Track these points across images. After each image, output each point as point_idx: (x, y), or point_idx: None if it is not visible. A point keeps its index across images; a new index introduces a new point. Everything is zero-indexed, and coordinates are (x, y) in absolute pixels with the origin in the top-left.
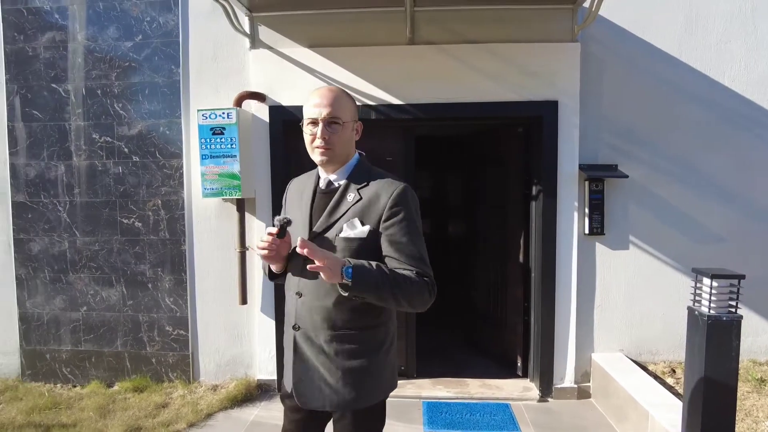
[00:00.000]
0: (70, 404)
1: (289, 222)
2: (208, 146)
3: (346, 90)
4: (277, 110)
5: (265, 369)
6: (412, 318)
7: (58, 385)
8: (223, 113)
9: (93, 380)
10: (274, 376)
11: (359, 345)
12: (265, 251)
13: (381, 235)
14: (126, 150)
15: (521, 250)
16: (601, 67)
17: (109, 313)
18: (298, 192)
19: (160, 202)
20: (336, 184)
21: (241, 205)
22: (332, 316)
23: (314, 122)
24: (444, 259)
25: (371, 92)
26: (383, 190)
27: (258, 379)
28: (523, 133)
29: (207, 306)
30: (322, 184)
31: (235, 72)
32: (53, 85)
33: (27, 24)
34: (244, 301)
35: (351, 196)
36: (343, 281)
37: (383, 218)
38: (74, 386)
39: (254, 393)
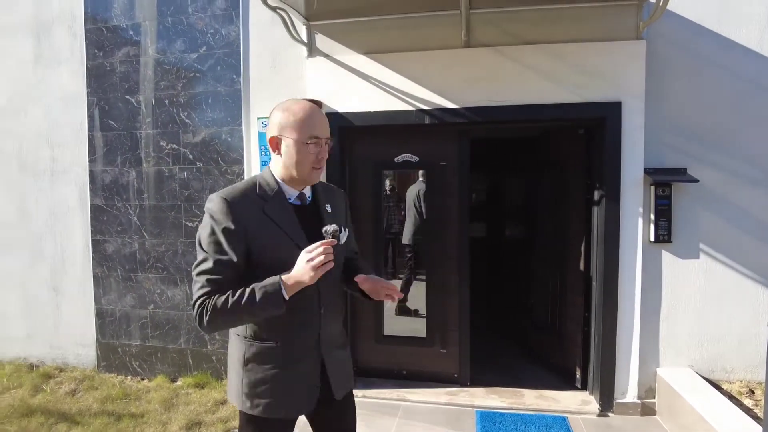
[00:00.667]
0: (139, 396)
1: (340, 230)
2: (268, 153)
3: (401, 94)
4: (333, 117)
5: None
6: (465, 323)
7: (128, 377)
8: None
9: (159, 374)
10: None
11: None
12: (329, 264)
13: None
14: (191, 156)
15: (582, 257)
16: (668, 65)
17: (174, 312)
18: (254, 212)
19: None
20: (308, 198)
21: None
22: (341, 320)
23: (317, 142)
24: (499, 264)
25: (426, 96)
26: (335, 196)
27: None
28: (584, 136)
29: None
30: (295, 200)
31: (293, 80)
32: (127, 97)
33: (106, 41)
34: None
35: (329, 207)
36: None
37: (347, 220)
38: (142, 379)
39: None
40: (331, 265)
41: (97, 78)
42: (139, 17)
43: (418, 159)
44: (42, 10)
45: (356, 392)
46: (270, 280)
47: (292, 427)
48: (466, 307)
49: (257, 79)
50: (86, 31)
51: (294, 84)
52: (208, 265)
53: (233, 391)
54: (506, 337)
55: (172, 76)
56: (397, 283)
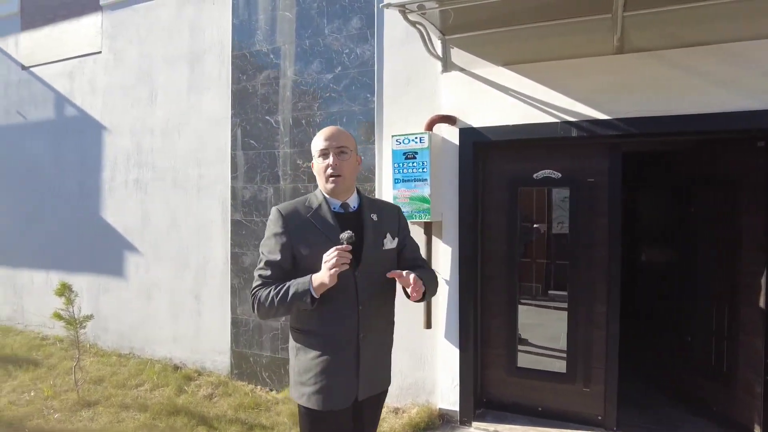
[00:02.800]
0: (268, 407)
1: (354, 237)
2: (401, 170)
3: (544, 106)
4: (467, 132)
5: (447, 398)
6: (613, 360)
7: (258, 387)
8: (416, 138)
9: (286, 387)
10: (457, 407)
11: (391, 334)
12: (344, 266)
13: (401, 241)
14: None
15: (762, 291)
16: None
17: None
18: (302, 218)
19: None
20: (352, 207)
21: (428, 228)
22: (388, 315)
23: (325, 153)
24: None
25: (572, 107)
26: (389, 210)
27: (440, 408)
28: (764, 148)
29: None
30: (338, 209)
31: (427, 96)
32: (267, 117)
33: (249, 66)
34: (428, 325)
35: (375, 217)
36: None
37: (400, 228)
38: (270, 390)
39: (436, 423)
40: (344, 266)
41: (241, 100)
42: (279, 41)
43: (560, 175)
44: (196, 41)
45: (487, 426)
46: (303, 279)
47: (343, 422)
48: (615, 342)
49: (391, 97)
50: (233, 57)
51: (427, 100)
52: (261, 264)
53: (291, 382)
54: (652, 378)
55: (308, 96)
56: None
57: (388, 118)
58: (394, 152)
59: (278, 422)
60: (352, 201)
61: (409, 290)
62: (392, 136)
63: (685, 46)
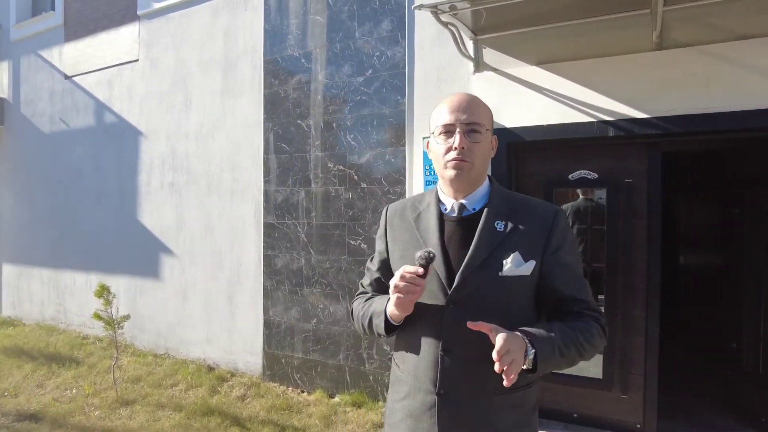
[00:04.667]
0: (300, 409)
1: (433, 257)
2: (432, 172)
3: (579, 105)
4: (500, 133)
5: None
6: (653, 366)
7: (290, 388)
8: None
9: (318, 389)
10: None
11: (523, 406)
12: (409, 294)
13: (546, 264)
14: (355, 177)
15: None
16: None
17: (335, 327)
18: (406, 220)
19: None
20: (470, 209)
21: None
22: (498, 377)
23: (449, 131)
24: (672, 296)
25: (608, 106)
26: (539, 216)
27: None
28: None
29: None
30: (450, 210)
31: None
32: (298, 121)
33: (281, 70)
34: None
35: (500, 225)
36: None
37: (549, 245)
38: (302, 391)
39: None
40: (413, 296)
41: (273, 105)
42: (311, 45)
43: (596, 176)
44: (229, 47)
45: None
46: (383, 299)
47: None
48: (654, 348)
49: (421, 98)
50: (265, 62)
51: None
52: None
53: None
54: (696, 385)
55: (339, 100)
56: None
57: (418, 120)
58: (425, 154)
59: (310, 424)
60: (474, 199)
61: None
62: (423, 138)
63: (732, 39)
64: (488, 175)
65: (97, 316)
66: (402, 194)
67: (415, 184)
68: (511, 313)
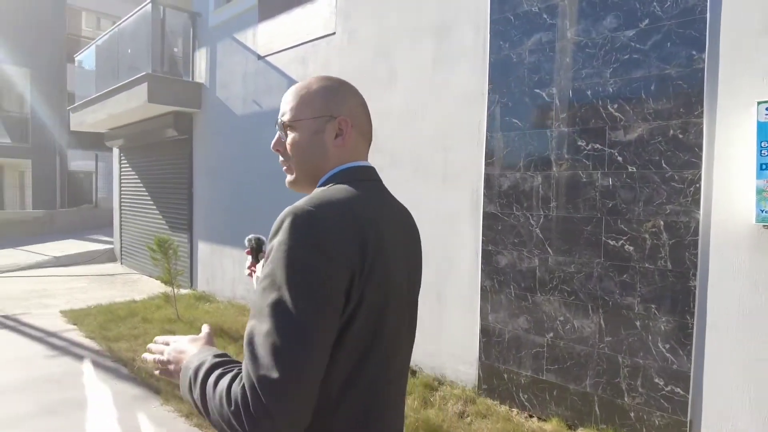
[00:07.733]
0: None
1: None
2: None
3: None
4: None
5: None
6: None
7: (514, 410)
8: None
9: (554, 416)
10: None
11: None
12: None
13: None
14: (619, 159)
15: None
16: None
17: (580, 346)
18: None
19: (662, 223)
20: None
21: None
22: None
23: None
24: None
25: None
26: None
27: None
28: None
29: (721, 364)
30: None
31: None
32: (536, 91)
33: (513, 30)
34: None
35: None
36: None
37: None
38: (531, 416)
39: None
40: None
41: (501, 72)
42: None
43: (357, 166)
44: (444, 9)
45: None
46: None
47: None
48: None
49: (737, 50)
50: (491, 23)
51: None
52: None
53: None
54: None
55: (597, 61)
56: None
57: (727, 82)
58: (760, 125)
59: None
60: None
61: None
62: (758, 102)
63: None
64: (353, 165)
65: None
66: (695, 182)
67: (716, 167)
68: None
